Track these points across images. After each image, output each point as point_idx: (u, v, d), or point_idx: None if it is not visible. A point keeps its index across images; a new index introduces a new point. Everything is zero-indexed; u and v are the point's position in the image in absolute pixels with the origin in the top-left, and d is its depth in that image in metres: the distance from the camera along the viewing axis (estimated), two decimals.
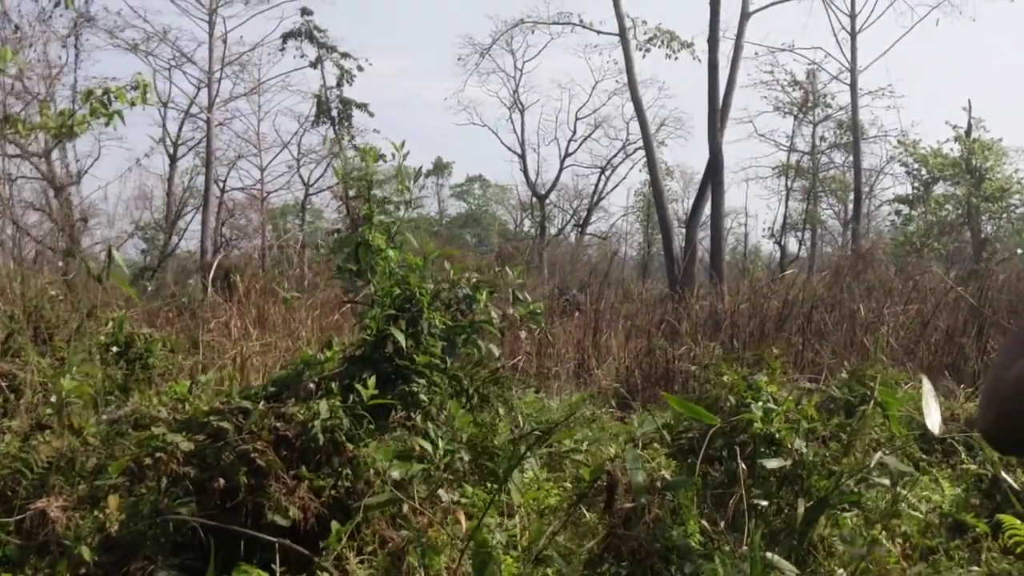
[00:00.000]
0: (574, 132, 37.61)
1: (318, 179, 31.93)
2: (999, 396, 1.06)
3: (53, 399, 4.02)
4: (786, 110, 32.18)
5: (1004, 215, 27.21)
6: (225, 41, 26.47)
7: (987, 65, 61.46)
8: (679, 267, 18.49)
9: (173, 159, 28.70)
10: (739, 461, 3.52)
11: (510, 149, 38.04)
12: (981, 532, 3.83)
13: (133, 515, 3.38)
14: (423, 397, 3.97)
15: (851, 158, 29.22)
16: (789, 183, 33.99)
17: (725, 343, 9.12)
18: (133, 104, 5.97)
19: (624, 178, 44.06)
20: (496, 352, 4.59)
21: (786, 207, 34.03)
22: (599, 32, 24.79)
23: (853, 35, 26.22)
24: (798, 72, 31.07)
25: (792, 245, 34.48)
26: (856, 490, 3.59)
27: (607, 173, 38.11)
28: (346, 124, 29.95)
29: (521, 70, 36.57)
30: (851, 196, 29.96)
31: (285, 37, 28.57)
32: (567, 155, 37.77)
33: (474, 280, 4.44)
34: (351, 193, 5.36)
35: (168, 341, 6.10)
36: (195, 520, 3.18)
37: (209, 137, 26.23)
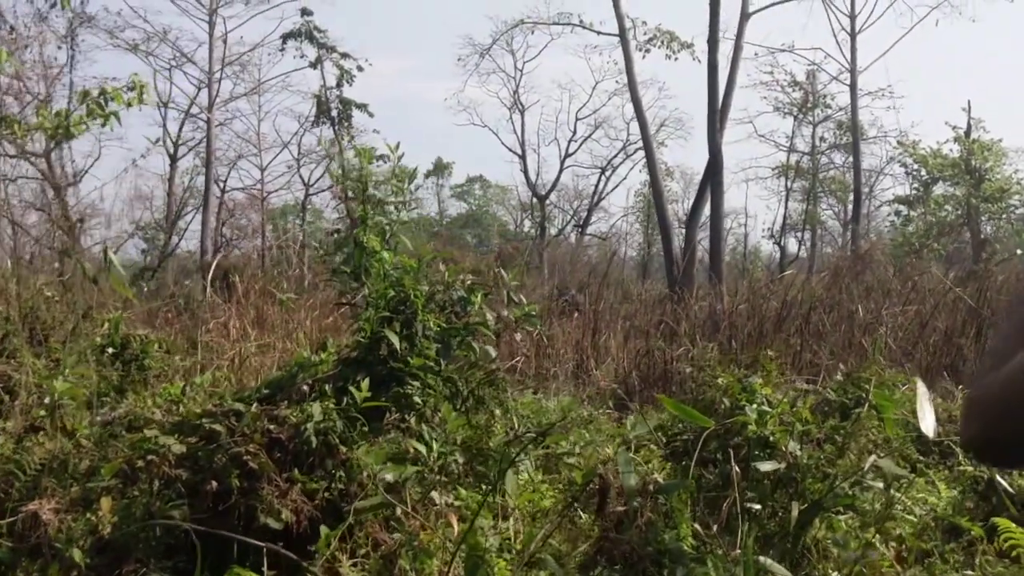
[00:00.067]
0: (574, 132, 37.66)
1: (318, 179, 32.01)
2: (981, 408, 1.04)
3: (47, 401, 4.02)
4: (786, 110, 32.19)
5: (1004, 216, 27.20)
6: (225, 41, 26.54)
7: (987, 65, 61.48)
8: (678, 268, 18.47)
9: (173, 159, 28.74)
10: (733, 464, 3.51)
11: (510, 149, 38.10)
12: (976, 536, 3.82)
13: (125, 517, 3.37)
14: (417, 399, 3.96)
15: (851, 159, 29.21)
16: (789, 183, 34.01)
17: (723, 344, 9.09)
18: (130, 105, 5.96)
19: (624, 178, 44.18)
20: (492, 353, 4.59)
21: (786, 208, 34.08)
22: (599, 33, 24.80)
23: (853, 36, 26.21)
24: (798, 73, 31.13)
25: (792, 246, 34.53)
26: (850, 493, 3.57)
27: (607, 173, 38.16)
28: (346, 124, 29.93)
29: (521, 70, 36.68)
30: (851, 197, 29.94)
31: (285, 37, 28.58)
32: (567, 155, 37.82)
33: (469, 282, 4.43)
34: (348, 194, 5.35)
35: (164, 342, 6.09)
36: (185, 525, 3.17)
37: (209, 137, 26.24)
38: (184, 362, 6.28)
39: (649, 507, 3.20)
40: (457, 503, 3.74)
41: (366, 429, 3.73)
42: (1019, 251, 22.25)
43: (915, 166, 28.88)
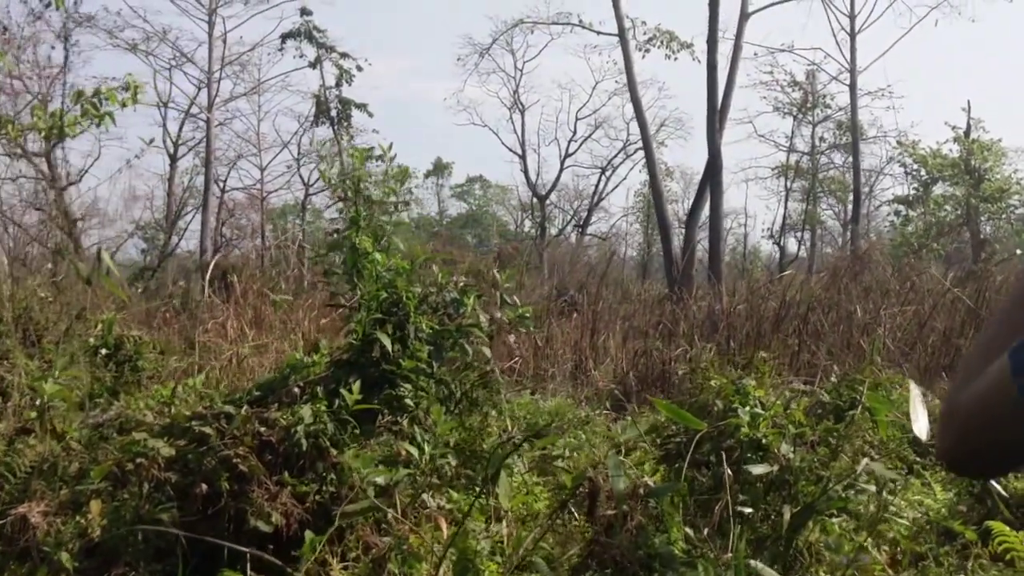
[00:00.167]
0: (574, 132, 37.65)
1: (318, 179, 31.93)
2: (956, 419, 1.02)
3: (38, 403, 4.00)
4: (785, 110, 32.17)
5: (1003, 216, 27.19)
6: (225, 41, 26.53)
7: (987, 65, 61.47)
8: (678, 268, 18.44)
9: (173, 159, 28.75)
10: (725, 466, 3.49)
11: (510, 149, 38.09)
12: (970, 539, 3.80)
13: (115, 520, 3.35)
14: (409, 402, 3.94)
15: (850, 159, 29.17)
16: (788, 184, 33.98)
17: (721, 344, 9.07)
18: (124, 105, 5.95)
19: (624, 178, 44.16)
20: (488, 354, 4.57)
21: (785, 208, 34.07)
22: (598, 32, 24.80)
23: (852, 36, 26.17)
24: (797, 73, 31.11)
25: (792, 246, 34.52)
26: (844, 496, 3.55)
27: (607, 173, 38.14)
28: (345, 124, 29.92)
29: (521, 70, 36.63)
30: (850, 197, 29.91)
31: (284, 37, 28.57)
32: (567, 155, 37.81)
33: (461, 284, 4.41)
34: (342, 195, 5.34)
35: (158, 343, 6.07)
36: (171, 531, 3.15)
37: (209, 137, 26.24)
38: (180, 363, 6.27)
39: (639, 511, 3.19)
40: (449, 506, 3.72)
41: (357, 432, 3.71)
42: (1019, 251, 22.23)
43: (915, 166, 28.88)
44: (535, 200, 38.55)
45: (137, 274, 20.14)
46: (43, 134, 6.09)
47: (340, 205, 4.91)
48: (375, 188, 4.75)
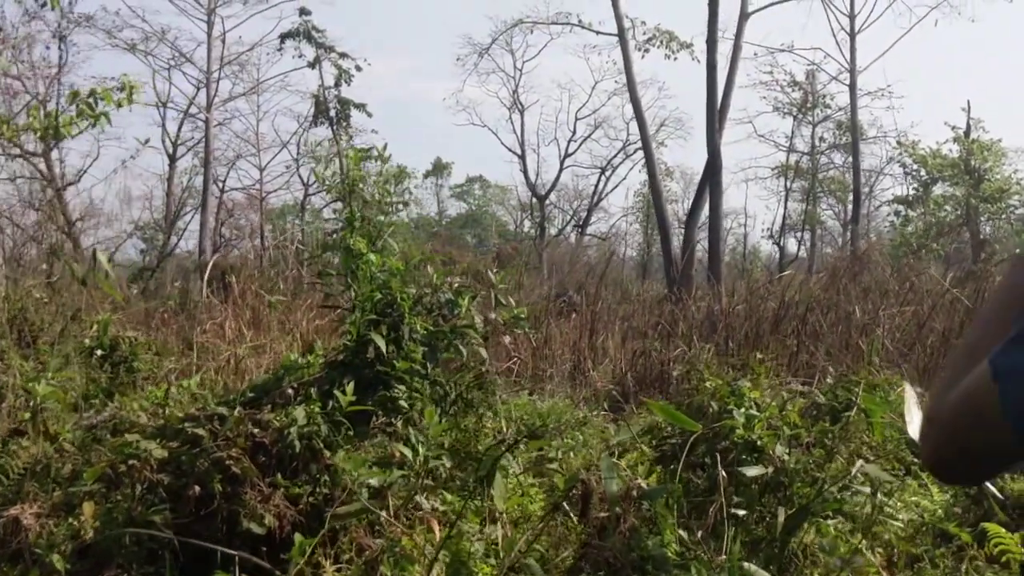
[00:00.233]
0: (574, 132, 37.66)
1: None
2: (939, 422, 1.01)
3: (31, 404, 3.99)
4: (785, 110, 32.17)
5: (1003, 216, 27.17)
6: (224, 41, 26.52)
7: (986, 65, 61.49)
8: (677, 268, 18.43)
9: (172, 159, 28.74)
10: (720, 468, 3.48)
11: (510, 149, 38.10)
12: (966, 541, 3.79)
13: (108, 522, 3.34)
14: (403, 403, 3.93)
15: (850, 159, 29.16)
16: (788, 184, 33.98)
17: (720, 345, 9.05)
18: (120, 105, 5.94)
19: (624, 178, 44.17)
20: (484, 355, 4.55)
21: (785, 208, 34.06)
22: (598, 32, 24.79)
23: (852, 36, 26.15)
24: (797, 73, 31.12)
25: (792, 246, 34.52)
26: (839, 497, 3.54)
27: (607, 173, 38.15)
28: (344, 124, 29.90)
29: (521, 70, 36.69)
30: (850, 197, 29.91)
31: (283, 37, 28.52)
32: (567, 155, 37.81)
33: (456, 285, 4.40)
34: (337, 196, 5.33)
35: (154, 344, 6.06)
36: (161, 534, 3.14)
37: (208, 137, 26.23)
38: (177, 364, 6.25)
39: (633, 513, 3.18)
40: (443, 508, 3.71)
41: (351, 433, 3.70)
42: (1018, 251, 22.18)
43: (914, 166, 28.89)
44: (534, 200, 38.55)
45: (136, 274, 20.10)
46: (39, 134, 6.07)
47: (337, 206, 4.91)
48: (371, 188, 4.74)
